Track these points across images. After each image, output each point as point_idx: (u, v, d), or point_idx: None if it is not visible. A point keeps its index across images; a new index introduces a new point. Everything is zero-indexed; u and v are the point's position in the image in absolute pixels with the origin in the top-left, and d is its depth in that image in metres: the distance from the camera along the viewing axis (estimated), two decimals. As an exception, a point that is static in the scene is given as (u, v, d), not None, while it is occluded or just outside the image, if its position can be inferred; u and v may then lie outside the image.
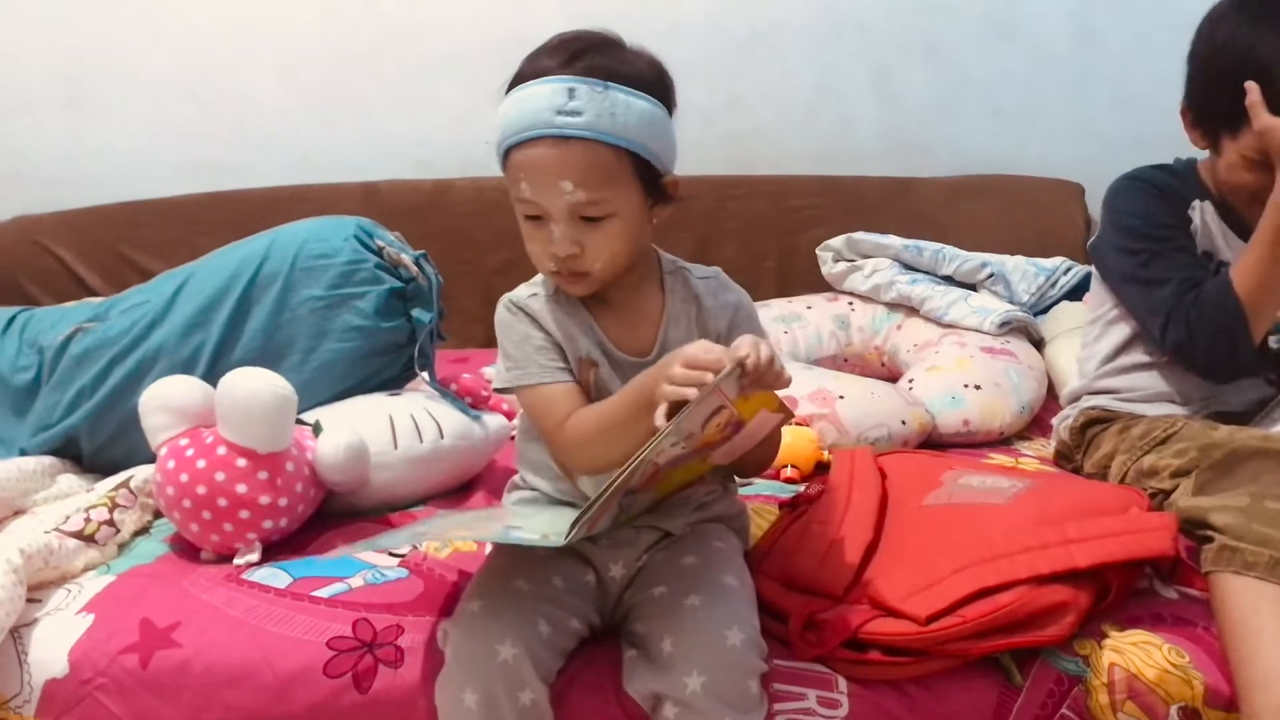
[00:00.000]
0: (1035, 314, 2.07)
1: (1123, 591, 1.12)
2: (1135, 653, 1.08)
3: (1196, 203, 1.41)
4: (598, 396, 1.15)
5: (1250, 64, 1.26)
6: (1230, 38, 1.29)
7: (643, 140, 1.08)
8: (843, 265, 2.19)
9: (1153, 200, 1.41)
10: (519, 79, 1.09)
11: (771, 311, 2.12)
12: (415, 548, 1.33)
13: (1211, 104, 1.34)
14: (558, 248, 1.08)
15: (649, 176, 1.11)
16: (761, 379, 0.98)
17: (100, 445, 1.57)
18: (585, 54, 1.07)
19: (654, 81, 1.11)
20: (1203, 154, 1.43)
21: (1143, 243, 1.41)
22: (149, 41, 2.39)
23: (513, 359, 1.16)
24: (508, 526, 1.12)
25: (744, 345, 0.99)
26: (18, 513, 1.43)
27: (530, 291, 1.19)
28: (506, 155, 1.09)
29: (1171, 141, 1.44)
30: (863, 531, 1.20)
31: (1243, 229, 1.39)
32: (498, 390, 1.19)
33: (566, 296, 1.17)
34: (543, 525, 1.06)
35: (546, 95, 1.05)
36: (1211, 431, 1.30)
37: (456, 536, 1.32)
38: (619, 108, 1.06)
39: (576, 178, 1.05)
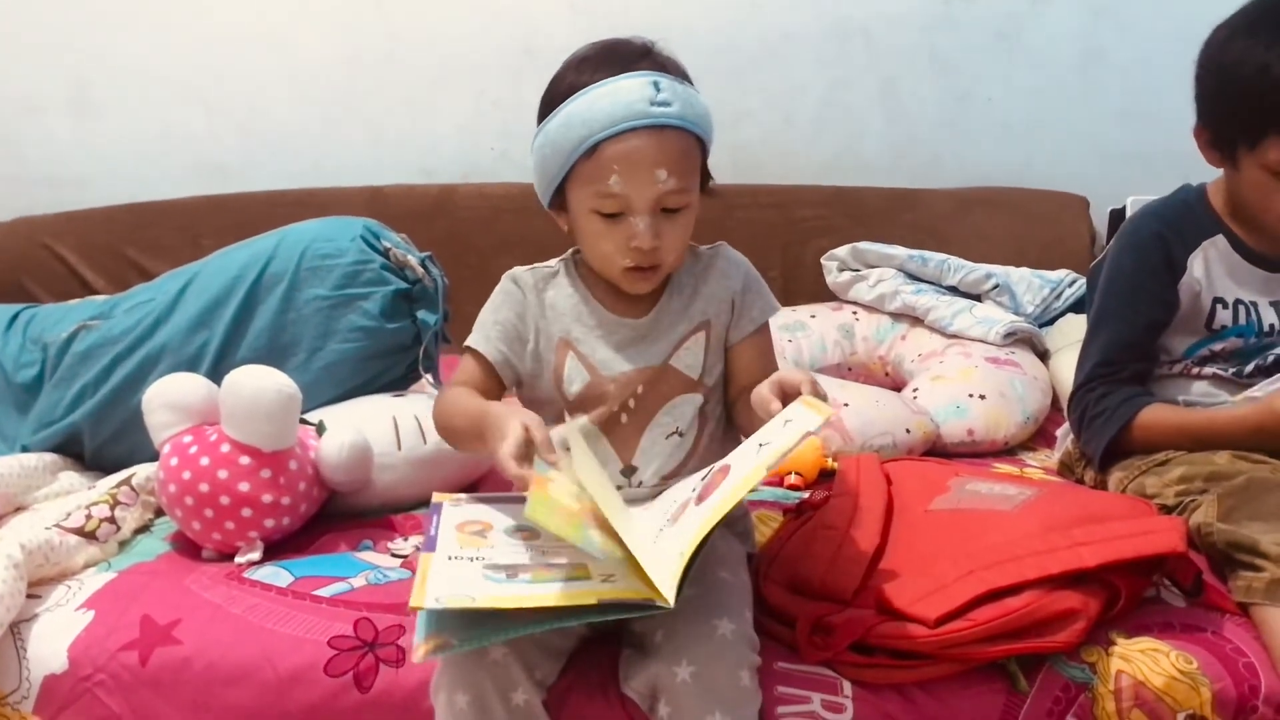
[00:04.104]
0: (1040, 326, 2.07)
1: (1132, 599, 1.11)
2: (1143, 660, 1.07)
3: (1205, 244, 1.40)
4: (572, 373, 1.18)
5: (1267, 80, 1.26)
6: (1243, 56, 1.30)
7: (709, 130, 1.14)
8: (847, 275, 2.19)
9: (1148, 257, 1.41)
10: (571, 89, 1.10)
11: (776, 320, 2.09)
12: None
13: (1228, 122, 1.34)
14: (642, 240, 1.11)
15: (705, 166, 1.16)
16: None
17: (102, 443, 1.57)
18: (642, 56, 1.11)
19: (690, 78, 1.15)
20: (1210, 178, 1.44)
21: (1108, 298, 1.44)
22: (156, 44, 2.38)
23: (484, 324, 1.22)
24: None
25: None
26: (19, 509, 1.42)
27: (532, 268, 1.24)
28: (592, 152, 1.09)
29: (1176, 156, 1.44)
30: (870, 536, 1.19)
31: (1259, 258, 1.39)
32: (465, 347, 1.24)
33: (568, 271, 1.22)
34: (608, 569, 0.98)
35: (636, 88, 1.08)
36: (1214, 458, 1.30)
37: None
38: (693, 99, 1.11)
39: (671, 166, 1.09)
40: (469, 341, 1.22)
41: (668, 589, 0.91)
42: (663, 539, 0.99)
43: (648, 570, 0.93)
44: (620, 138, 1.07)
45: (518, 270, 1.24)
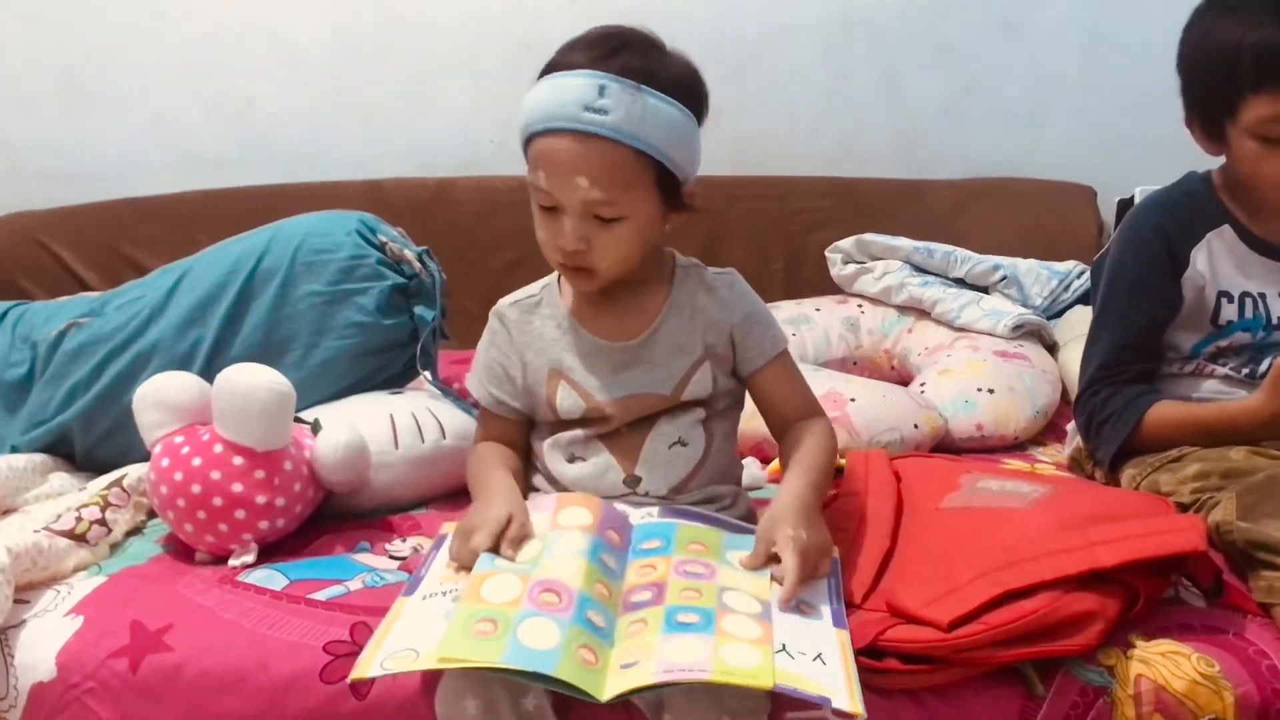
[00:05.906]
0: (1048, 318, 2.05)
1: (1150, 601, 1.09)
2: (1163, 663, 1.04)
3: (1209, 236, 1.38)
4: (564, 401, 1.18)
5: (1237, 48, 1.25)
6: (1206, 33, 1.31)
7: (666, 148, 1.08)
8: (852, 267, 2.17)
9: (1149, 253, 1.39)
10: (552, 67, 1.09)
11: (780, 314, 2.08)
12: None
13: (1207, 100, 1.33)
14: (565, 241, 1.09)
15: (668, 184, 1.11)
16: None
17: (93, 443, 1.55)
18: (623, 51, 1.07)
19: (687, 89, 1.10)
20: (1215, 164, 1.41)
21: (1110, 297, 1.42)
22: (150, 37, 2.37)
23: (476, 366, 1.25)
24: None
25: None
26: (7, 511, 1.40)
27: (515, 299, 1.23)
28: (529, 142, 1.09)
29: (1182, 145, 1.42)
30: (880, 537, 1.16)
31: (1267, 247, 1.37)
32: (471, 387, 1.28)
33: (552, 297, 1.21)
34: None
35: (577, 89, 1.05)
36: (1229, 453, 1.28)
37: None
38: (648, 112, 1.06)
39: (593, 176, 1.05)
40: (472, 390, 1.26)
41: (598, 690, 0.90)
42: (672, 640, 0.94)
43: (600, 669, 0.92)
44: (548, 135, 1.07)
45: (503, 305, 1.24)
